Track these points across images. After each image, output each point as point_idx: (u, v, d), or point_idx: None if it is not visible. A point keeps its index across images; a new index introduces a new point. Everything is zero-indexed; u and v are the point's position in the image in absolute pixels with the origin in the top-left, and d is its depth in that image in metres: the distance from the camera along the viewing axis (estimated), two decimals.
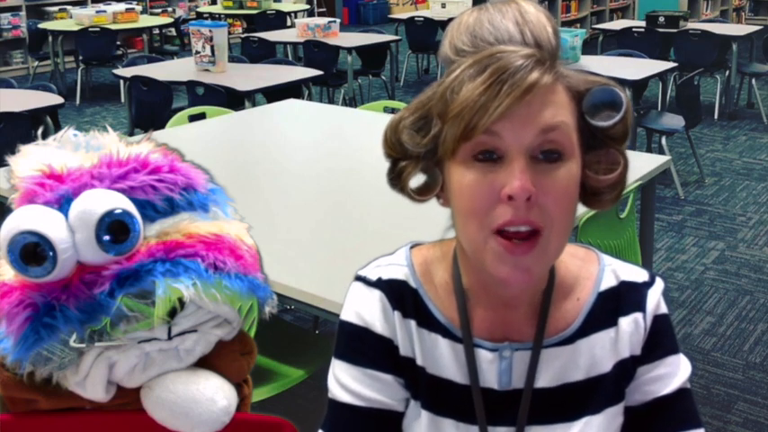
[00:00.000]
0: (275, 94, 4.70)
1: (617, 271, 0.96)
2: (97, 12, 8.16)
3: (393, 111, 3.77)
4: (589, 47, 7.23)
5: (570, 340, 0.93)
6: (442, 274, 0.96)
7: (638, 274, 0.96)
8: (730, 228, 4.45)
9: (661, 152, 4.85)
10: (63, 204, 0.99)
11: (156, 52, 8.29)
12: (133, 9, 8.47)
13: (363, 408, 0.94)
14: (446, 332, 0.94)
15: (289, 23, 8.78)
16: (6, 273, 1.01)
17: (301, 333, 2.69)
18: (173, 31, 9.66)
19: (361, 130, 3.40)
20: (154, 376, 1.08)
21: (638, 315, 0.94)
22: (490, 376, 0.93)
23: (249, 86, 4.67)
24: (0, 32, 9.38)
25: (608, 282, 0.95)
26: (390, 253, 0.99)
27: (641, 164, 2.69)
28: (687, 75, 5.25)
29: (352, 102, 6.66)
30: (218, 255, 1.03)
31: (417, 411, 0.94)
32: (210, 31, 5.02)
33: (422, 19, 8.17)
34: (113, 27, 7.94)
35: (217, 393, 1.08)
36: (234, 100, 4.57)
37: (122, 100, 7.04)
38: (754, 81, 6.98)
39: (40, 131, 4.31)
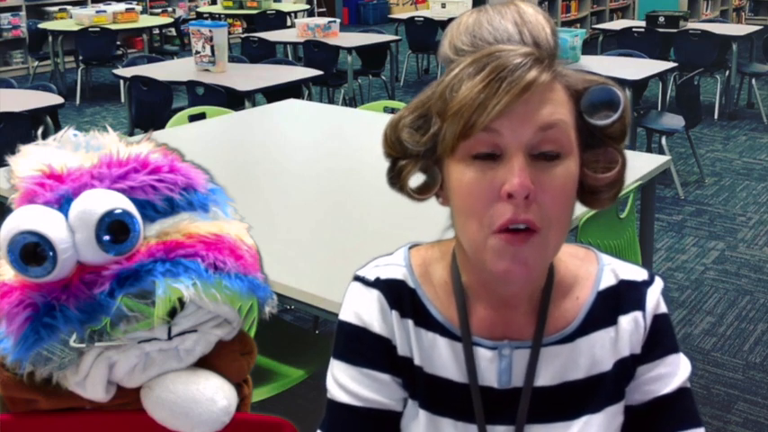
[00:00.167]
0: (275, 94, 4.70)
1: (616, 270, 0.96)
2: (97, 12, 8.16)
3: (393, 111, 3.77)
4: (589, 47, 7.24)
5: (570, 339, 0.93)
6: (440, 274, 0.96)
7: (637, 273, 0.97)
8: (730, 228, 4.45)
9: (661, 152, 4.85)
10: (63, 204, 0.99)
11: (156, 52, 8.29)
12: (133, 9, 8.47)
13: (361, 408, 0.94)
14: (444, 331, 0.94)
15: (289, 23, 8.78)
16: (6, 273, 1.01)
17: (301, 333, 2.69)
18: (173, 31, 9.66)
19: (361, 130, 3.40)
20: (154, 376, 1.08)
21: (638, 314, 0.94)
22: (489, 375, 0.93)
23: (249, 86, 4.67)
24: (0, 32, 9.38)
25: (607, 281, 0.96)
26: (389, 253, 1.00)
27: (641, 164, 2.69)
28: (687, 75, 5.25)
29: (352, 102, 6.66)
30: (218, 255, 1.03)
31: (415, 411, 0.94)
32: (210, 31, 5.02)
33: (422, 19, 8.18)
34: (113, 27, 7.95)
35: (217, 393, 1.08)
36: (234, 100, 4.57)
37: (122, 100, 7.05)
38: (754, 81, 6.98)
39: (40, 131, 4.31)
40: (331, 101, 6.92)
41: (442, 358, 0.94)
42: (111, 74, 6.54)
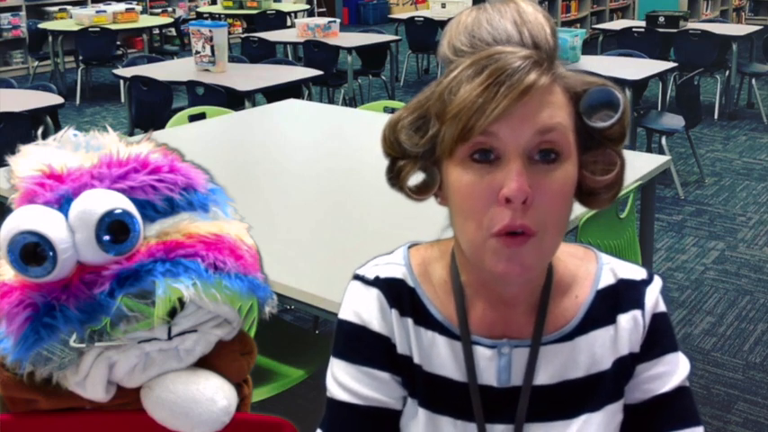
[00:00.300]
0: (275, 94, 4.70)
1: (615, 269, 0.97)
2: (97, 12, 8.16)
3: (393, 111, 3.76)
4: (589, 47, 7.23)
5: (569, 337, 0.93)
6: (440, 273, 0.96)
7: (636, 273, 0.97)
8: (730, 228, 4.45)
9: (661, 152, 4.85)
10: (63, 204, 0.99)
11: (156, 52, 8.29)
12: (133, 9, 8.47)
13: (361, 406, 0.94)
14: (444, 330, 0.94)
15: (289, 23, 8.78)
16: (6, 273, 1.01)
17: (301, 333, 2.69)
18: (173, 31, 9.66)
19: (361, 130, 3.41)
20: (154, 376, 1.08)
21: (637, 312, 0.94)
22: (489, 373, 0.93)
23: (249, 86, 4.67)
24: (0, 32, 9.38)
25: (606, 280, 0.96)
26: (388, 252, 1.00)
27: (641, 164, 2.69)
28: (687, 75, 5.25)
29: (352, 102, 6.66)
30: (218, 255, 1.03)
31: (414, 409, 0.94)
32: (210, 31, 5.02)
33: (422, 19, 8.17)
34: (113, 27, 7.95)
35: (217, 393, 1.08)
36: (234, 100, 4.57)
37: (122, 100, 7.05)
38: (754, 81, 6.98)
39: (40, 131, 4.31)
40: (331, 101, 6.92)
41: (441, 357, 0.94)
42: (111, 74, 6.54)
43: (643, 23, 7.23)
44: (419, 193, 0.91)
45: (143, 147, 1.07)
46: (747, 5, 12.24)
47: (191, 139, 3.23)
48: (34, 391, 1.06)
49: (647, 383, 0.94)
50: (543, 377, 0.93)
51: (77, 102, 7.81)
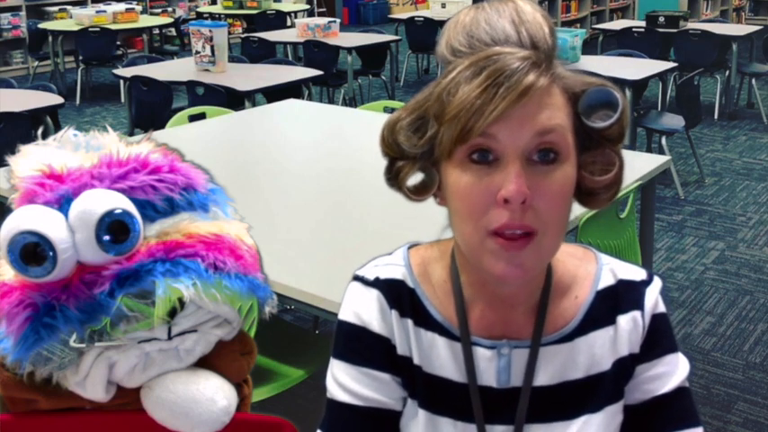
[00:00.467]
0: (275, 94, 4.70)
1: (615, 270, 0.96)
2: (97, 12, 8.16)
3: (393, 111, 3.76)
4: (589, 47, 7.23)
5: (569, 338, 0.93)
6: (439, 274, 0.96)
7: (635, 273, 0.97)
8: (730, 228, 4.45)
9: (661, 152, 4.85)
10: (63, 204, 0.99)
11: (156, 52, 8.29)
12: (133, 9, 8.47)
13: (361, 407, 0.94)
14: (443, 331, 0.94)
15: (289, 23, 8.78)
16: (6, 273, 1.01)
17: (301, 333, 2.69)
18: (173, 31, 9.66)
19: (361, 130, 3.40)
20: (154, 376, 1.08)
21: (637, 313, 0.94)
22: (488, 374, 0.93)
23: (249, 86, 4.67)
24: (0, 32, 9.38)
25: (606, 280, 0.96)
26: (388, 253, 1.00)
27: (641, 164, 2.69)
28: (687, 75, 5.25)
29: (352, 102, 6.66)
30: (218, 255, 1.03)
31: (414, 410, 0.94)
32: (210, 31, 5.02)
33: (422, 19, 8.17)
34: (113, 27, 7.95)
35: (217, 393, 1.08)
36: (234, 100, 4.57)
37: (122, 100, 7.05)
38: (754, 81, 6.98)
39: (40, 131, 4.31)
40: (331, 101, 6.92)
41: (441, 358, 0.94)
42: (111, 74, 6.54)
43: (643, 23, 7.23)
44: (418, 193, 0.91)
45: (143, 147, 1.07)
46: (747, 5, 12.24)
47: (191, 139, 3.23)
48: (34, 391, 1.06)
49: (646, 384, 0.94)
50: (543, 378, 0.93)
51: (77, 102, 7.81)
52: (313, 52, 6.59)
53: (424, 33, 8.07)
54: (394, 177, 0.91)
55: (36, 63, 8.99)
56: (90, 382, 1.05)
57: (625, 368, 0.94)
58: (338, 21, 7.18)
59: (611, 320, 0.94)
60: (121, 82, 6.41)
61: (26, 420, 1.09)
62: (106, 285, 0.98)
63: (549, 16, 0.86)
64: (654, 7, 7.85)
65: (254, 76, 4.99)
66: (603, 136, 0.86)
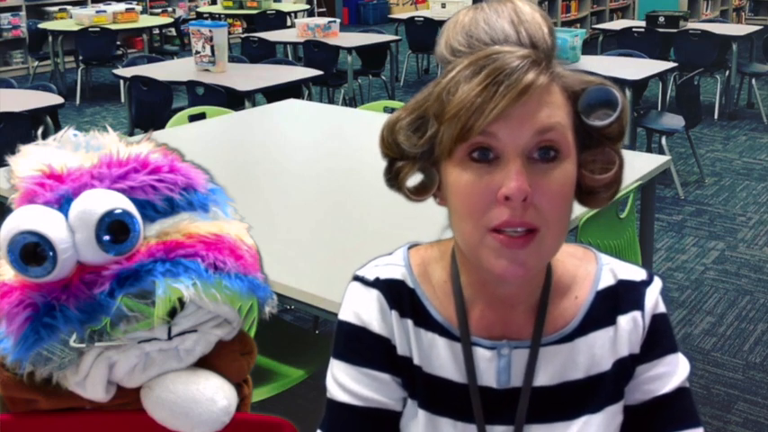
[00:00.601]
0: (275, 94, 4.70)
1: (615, 270, 0.96)
2: (97, 12, 8.16)
3: (393, 111, 3.76)
4: (589, 47, 7.23)
5: (569, 338, 0.93)
6: (439, 274, 0.96)
7: (636, 273, 0.97)
8: (730, 228, 4.45)
9: (661, 152, 4.85)
10: (63, 204, 0.99)
11: (156, 52, 8.29)
12: (133, 9, 8.47)
13: (361, 407, 0.94)
14: (443, 331, 0.94)
15: (289, 23, 8.78)
16: (6, 273, 1.01)
17: (301, 333, 2.69)
18: (173, 31, 9.66)
19: (361, 130, 3.40)
20: (154, 376, 1.08)
21: (637, 314, 0.94)
22: (488, 375, 0.93)
23: (249, 86, 4.67)
24: (0, 32, 9.38)
25: (606, 281, 0.96)
26: (388, 253, 1.00)
27: (641, 164, 2.69)
28: (687, 75, 5.25)
29: (352, 102, 6.66)
30: (218, 255, 1.03)
31: (414, 411, 0.94)
32: (210, 31, 5.02)
33: (422, 19, 8.18)
34: (113, 27, 7.95)
35: (217, 393, 1.08)
36: (234, 100, 4.57)
37: (122, 100, 7.05)
38: (754, 81, 6.98)
39: (40, 131, 4.31)
40: (331, 101, 6.92)
41: (441, 358, 0.94)
42: (111, 74, 6.54)
43: (643, 23, 7.23)
44: (418, 193, 0.91)
45: (143, 147, 1.07)
46: (747, 5, 12.24)
47: (191, 139, 3.23)
48: (34, 391, 1.06)
49: (646, 384, 0.94)
50: (543, 378, 0.93)
51: (77, 102, 7.81)
52: (313, 52, 6.59)
53: (424, 33, 8.07)
54: (394, 178, 0.91)
55: (36, 63, 8.99)
56: (90, 382, 1.05)
57: (625, 368, 0.94)
58: (338, 21, 7.18)
59: (611, 321, 0.94)
60: (121, 82, 6.41)
61: (26, 420, 1.09)
62: (106, 285, 0.98)
63: (547, 16, 0.86)
64: (654, 7, 7.85)
65: (254, 76, 4.99)
66: (603, 134, 0.86)
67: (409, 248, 1.00)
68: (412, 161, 0.88)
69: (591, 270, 0.96)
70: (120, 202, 0.99)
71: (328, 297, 1.73)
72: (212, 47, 5.02)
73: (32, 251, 0.95)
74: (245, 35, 7.73)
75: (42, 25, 8.48)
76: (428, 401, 0.94)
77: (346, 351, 0.95)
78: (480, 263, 0.84)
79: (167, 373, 1.08)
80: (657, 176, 2.78)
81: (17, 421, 1.09)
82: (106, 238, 0.97)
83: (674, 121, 5.10)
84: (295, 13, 9.34)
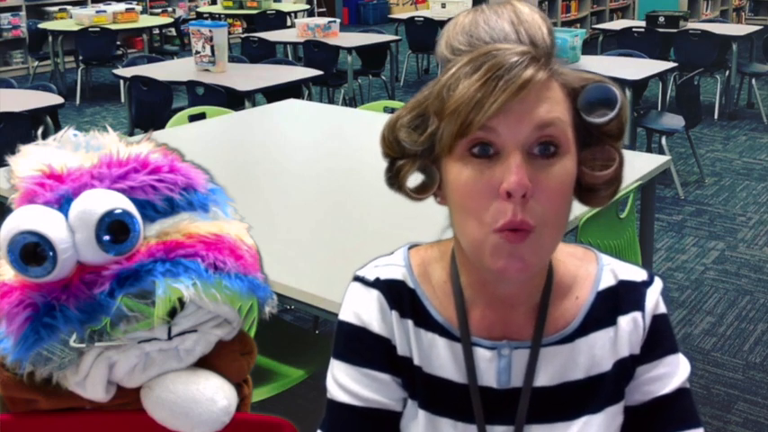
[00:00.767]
0: (275, 94, 4.70)
1: (616, 270, 0.96)
2: (97, 12, 8.16)
3: (393, 111, 3.76)
4: (589, 47, 7.23)
5: (569, 339, 0.93)
6: (440, 274, 0.96)
7: (636, 274, 0.97)
8: (730, 228, 4.45)
9: (661, 152, 4.85)
10: (63, 204, 0.99)
11: (156, 52, 8.29)
12: (133, 9, 8.47)
13: (361, 407, 0.94)
14: (444, 331, 0.94)
15: (289, 23, 8.78)
16: (6, 273, 1.01)
17: (301, 333, 2.69)
18: (173, 31, 9.66)
19: (361, 130, 3.40)
20: (154, 376, 1.08)
21: (637, 314, 0.94)
22: (489, 375, 0.93)
23: (249, 86, 4.67)
24: (0, 32, 9.38)
25: (607, 281, 0.96)
26: (389, 253, 1.00)
27: (641, 164, 2.69)
28: (687, 75, 5.25)
29: (352, 102, 6.66)
30: (218, 255, 1.03)
31: (415, 411, 0.94)
32: (210, 31, 5.02)
33: (422, 19, 8.18)
34: (113, 27, 7.95)
35: (217, 393, 1.08)
36: (234, 100, 4.57)
37: (122, 100, 7.05)
38: (754, 81, 6.98)
39: (40, 131, 4.31)
40: (331, 101, 6.92)
41: (441, 358, 0.94)
42: (111, 74, 6.54)
43: (643, 23, 7.23)
44: (419, 192, 0.91)
45: (143, 147, 1.07)
46: (747, 5, 12.24)
47: (191, 139, 3.23)
48: (34, 391, 1.06)
49: (647, 385, 0.94)
50: (543, 379, 0.93)
51: (77, 102, 7.81)
52: (313, 52, 6.59)
53: (424, 33, 8.07)
54: (394, 177, 0.91)
55: (36, 63, 8.99)
56: (90, 382, 1.05)
57: (625, 369, 0.94)
58: (338, 21, 7.18)
59: (611, 321, 0.94)
60: (121, 82, 6.41)
61: (26, 420, 1.09)
62: (106, 285, 0.98)
63: (546, 17, 0.87)
64: (654, 7, 7.85)
65: (254, 76, 4.99)
66: (603, 132, 0.86)
67: (409, 249, 1.00)
68: (412, 159, 0.88)
69: (591, 270, 0.96)
70: (120, 202, 0.99)
71: (328, 297, 1.73)
72: (212, 47, 5.02)
73: (32, 251, 0.95)
74: (245, 35, 7.73)
75: (42, 25, 8.48)
76: (428, 402, 0.94)
77: (346, 351, 0.95)
78: (481, 261, 0.84)
79: (167, 373, 1.08)
80: (657, 176, 2.78)
81: (17, 421, 1.09)
82: (106, 238, 0.97)
83: (674, 121, 5.10)
84: (295, 13, 9.34)
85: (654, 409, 0.94)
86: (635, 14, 10.60)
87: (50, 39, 8.18)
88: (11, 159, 1.06)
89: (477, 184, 0.82)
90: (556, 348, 0.93)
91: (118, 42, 8.18)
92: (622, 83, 4.81)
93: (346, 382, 0.94)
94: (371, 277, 0.96)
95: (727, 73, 6.90)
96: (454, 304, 0.94)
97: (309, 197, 2.61)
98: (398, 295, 0.95)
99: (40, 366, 1.01)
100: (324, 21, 7.10)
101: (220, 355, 1.12)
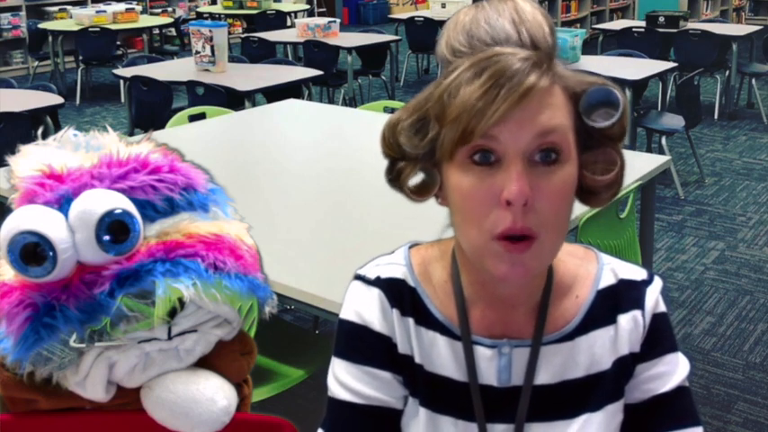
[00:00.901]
0: (275, 94, 4.70)
1: (616, 269, 0.97)
2: (97, 12, 8.16)
3: (393, 111, 3.76)
4: (589, 47, 7.23)
5: (570, 337, 0.93)
6: (440, 273, 0.96)
7: (636, 273, 0.97)
8: (730, 228, 4.45)
9: (661, 152, 4.85)
10: (63, 204, 0.99)
11: (156, 52, 8.29)
12: (133, 9, 8.47)
13: (362, 405, 0.94)
14: (444, 330, 0.94)
15: (289, 23, 8.78)
16: (6, 273, 1.01)
17: (301, 333, 2.70)
18: (173, 31, 9.66)
19: (361, 130, 3.40)
20: (154, 376, 1.08)
21: (637, 313, 0.94)
22: (489, 373, 0.93)
23: (249, 86, 4.67)
24: (0, 32, 9.38)
25: (607, 280, 0.96)
26: (389, 252, 1.00)
27: (641, 164, 2.69)
28: (687, 75, 5.25)
29: (352, 102, 6.66)
30: (218, 255, 1.03)
31: (415, 409, 0.95)
32: (210, 31, 5.02)
33: (422, 19, 8.17)
34: (113, 27, 7.95)
35: (217, 393, 1.08)
36: (234, 100, 4.57)
37: (122, 100, 7.05)
38: (754, 81, 6.98)
39: (40, 131, 4.31)
40: (331, 101, 6.92)
41: (441, 357, 0.94)
42: (111, 74, 6.54)
43: (643, 23, 7.23)
44: (419, 194, 0.91)
45: (143, 147, 1.07)
46: (747, 5, 12.24)
47: (191, 139, 3.23)
48: (34, 391, 1.06)
49: (646, 383, 0.94)
50: (543, 377, 0.93)
51: (77, 102, 7.81)
52: (313, 52, 6.59)
53: (424, 33, 8.07)
54: (395, 179, 0.91)
55: (36, 63, 8.99)
56: (90, 382, 1.05)
57: (625, 367, 0.94)
58: (338, 21, 7.18)
59: (611, 320, 0.94)
60: (121, 82, 6.41)
61: (26, 420, 1.09)
62: (106, 285, 0.98)
63: (548, 15, 0.86)
64: (654, 7, 7.85)
65: (254, 76, 4.99)
66: (604, 135, 0.86)
67: (410, 248, 1.00)
68: (413, 162, 0.88)
69: (592, 269, 0.97)
70: (120, 202, 0.99)
71: (328, 297, 1.73)
72: (212, 47, 5.02)
73: (32, 251, 0.95)
74: (245, 35, 7.73)
75: (42, 25, 8.48)
76: (429, 400, 0.94)
77: (347, 349, 0.95)
78: (483, 266, 0.85)
79: (167, 373, 1.08)
80: (657, 176, 2.78)
81: (17, 421, 1.09)
82: (106, 238, 0.97)
83: (674, 121, 5.10)
84: (295, 13, 9.34)
85: (653, 407, 0.94)
86: (635, 14, 10.60)
87: (50, 39, 8.18)
88: (11, 159, 1.06)
89: (477, 192, 0.81)
90: (556, 347, 0.93)
91: (118, 42, 8.18)
92: (622, 83, 4.81)
93: (347, 380, 0.94)
94: (372, 276, 0.96)
95: (727, 73, 6.90)
96: (455, 303, 0.94)
97: (309, 197, 2.61)
98: (399, 294, 0.95)
99: (40, 366, 1.01)
100: (324, 21, 7.10)
101: (220, 355, 1.12)
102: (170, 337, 1.06)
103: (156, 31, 9.28)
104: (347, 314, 0.96)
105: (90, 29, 7.75)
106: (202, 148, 3.08)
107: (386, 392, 0.94)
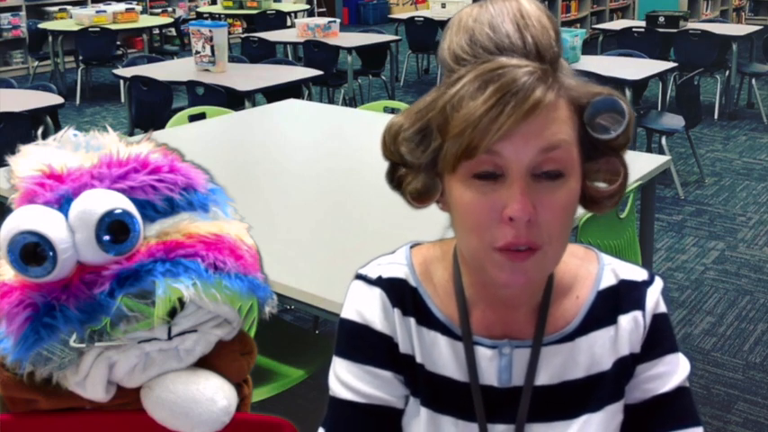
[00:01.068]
0: (275, 94, 4.70)
1: (616, 270, 0.97)
2: (97, 12, 8.16)
3: (393, 111, 3.77)
4: (589, 47, 7.23)
5: (570, 338, 0.93)
6: (441, 273, 0.96)
7: (637, 273, 0.97)
8: (730, 228, 4.45)
9: (661, 152, 4.85)
10: (63, 204, 0.99)
11: (156, 52, 8.29)
12: (133, 9, 8.47)
13: (363, 404, 0.94)
14: (445, 330, 0.94)
15: (289, 23, 8.78)
16: (6, 273, 1.01)
17: (301, 333, 2.69)
18: (173, 31, 9.66)
19: (361, 130, 3.41)
20: (154, 376, 1.08)
21: (638, 313, 0.94)
22: (490, 374, 0.93)
23: (249, 86, 4.68)
24: (0, 32, 9.38)
25: (607, 280, 0.96)
26: (391, 252, 1.00)
27: (641, 164, 2.69)
28: (687, 75, 5.25)
29: (352, 102, 6.66)
30: (218, 255, 1.03)
31: (417, 408, 0.95)
32: (210, 31, 5.02)
33: (422, 19, 8.17)
34: (113, 27, 7.95)
35: (217, 393, 1.08)
36: (234, 100, 4.57)
37: (122, 100, 7.05)
38: (754, 81, 6.98)
39: (40, 131, 4.31)
40: (331, 101, 6.92)
41: (442, 357, 0.94)
42: (111, 74, 6.54)
43: (643, 23, 7.23)
44: (420, 200, 0.89)
45: (143, 147, 1.07)
46: (747, 5, 12.24)
47: (191, 139, 3.23)
48: (34, 391, 1.06)
49: (647, 383, 0.94)
50: (544, 377, 0.93)
51: (77, 102, 7.81)
52: (313, 52, 6.59)
53: (424, 33, 8.06)
54: (397, 186, 0.91)
55: (36, 63, 8.99)
56: (90, 382, 1.05)
57: (626, 368, 0.94)
58: (338, 21, 7.18)
59: (612, 320, 0.94)
60: (121, 82, 6.41)
61: (26, 420, 1.09)
62: (106, 285, 0.98)
63: (552, 16, 0.84)
64: (654, 7, 7.85)
65: (254, 76, 4.99)
66: (609, 145, 0.85)
67: (411, 248, 1.00)
68: (415, 170, 0.87)
69: (592, 270, 0.97)
70: (120, 202, 0.99)
71: (328, 297, 1.74)
72: (212, 47, 5.02)
73: (32, 251, 0.95)
74: (245, 35, 7.73)
75: (42, 25, 8.48)
76: (430, 399, 0.94)
77: (349, 349, 0.95)
78: (484, 272, 0.85)
79: (167, 373, 1.08)
80: (657, 176, 2.78)
81: (17, 421, 1.09)
82: (106, 238, 0.97)
83: (674, 121, 5.10)
84: (295, 13, 9.34)
85: (653, 407, 0.94)
86: (635, 14, 10.60)
87: (50, 39, 8.18)
88: (11, 159, 1.06)
89: (479, 206, 0.81)
90: (556, 347, 0.93)
91: (118, 42, 8.18)
92: (622, 83, 4.82)
93: (348, 379, 0.94)
94: (374, 275, 0.96)
95: (727, 73, 6.91)
96: (456, 303, 0.94)
97: (309, 197, 2.61)
98: (400, 293, 0.95)
99: (40, 366, 1.01)
100: (324, 21, 7.10)
101: (220, 355, 1.12)
102: (170, 337, 1.06)
103: (156, 31, 9.28)
104: (348, 313, 0.96)
105: (90, 29, 7.75)
106: (202, 148, 3.08)
107: (387, 391, 0.94)
